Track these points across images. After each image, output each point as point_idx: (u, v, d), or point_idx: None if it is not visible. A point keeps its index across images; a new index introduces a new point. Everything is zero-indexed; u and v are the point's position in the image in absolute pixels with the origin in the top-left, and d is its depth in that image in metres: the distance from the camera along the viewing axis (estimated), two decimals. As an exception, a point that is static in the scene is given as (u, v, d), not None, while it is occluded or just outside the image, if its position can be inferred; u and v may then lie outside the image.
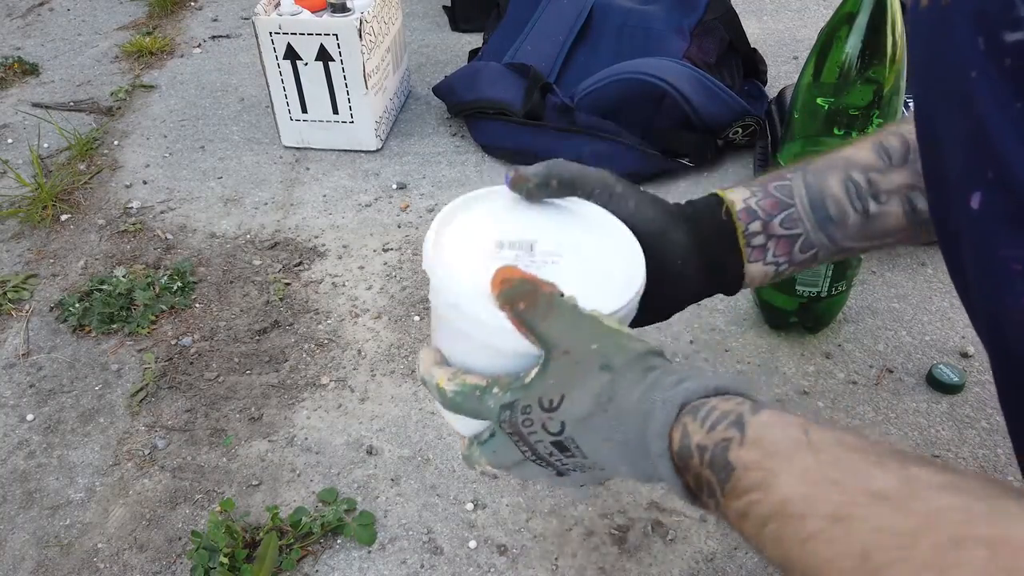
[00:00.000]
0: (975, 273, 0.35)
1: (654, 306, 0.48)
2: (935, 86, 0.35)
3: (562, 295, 0.41)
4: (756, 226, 0.50)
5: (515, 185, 0.48)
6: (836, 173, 0.50)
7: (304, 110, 1.20)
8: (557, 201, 0.49)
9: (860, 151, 0.51)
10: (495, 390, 0.42)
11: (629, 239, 0.47)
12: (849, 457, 0.32)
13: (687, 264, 0.49)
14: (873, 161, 0.50)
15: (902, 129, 0.51)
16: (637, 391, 0.38)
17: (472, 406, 0.43)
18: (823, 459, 0.32)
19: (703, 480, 0.36)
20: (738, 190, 0.52)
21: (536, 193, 0.48)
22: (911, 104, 1.03)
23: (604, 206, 0.49)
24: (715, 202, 0.51)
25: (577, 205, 0.49)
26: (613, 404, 0.38)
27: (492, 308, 0.41)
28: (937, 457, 0.76)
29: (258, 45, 1.14)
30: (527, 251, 0.45)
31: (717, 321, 0.91)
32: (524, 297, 0.40)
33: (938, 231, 0.39)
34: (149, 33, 1.63)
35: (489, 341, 0.43)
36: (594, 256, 0.46)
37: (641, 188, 0.51)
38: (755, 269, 0.51)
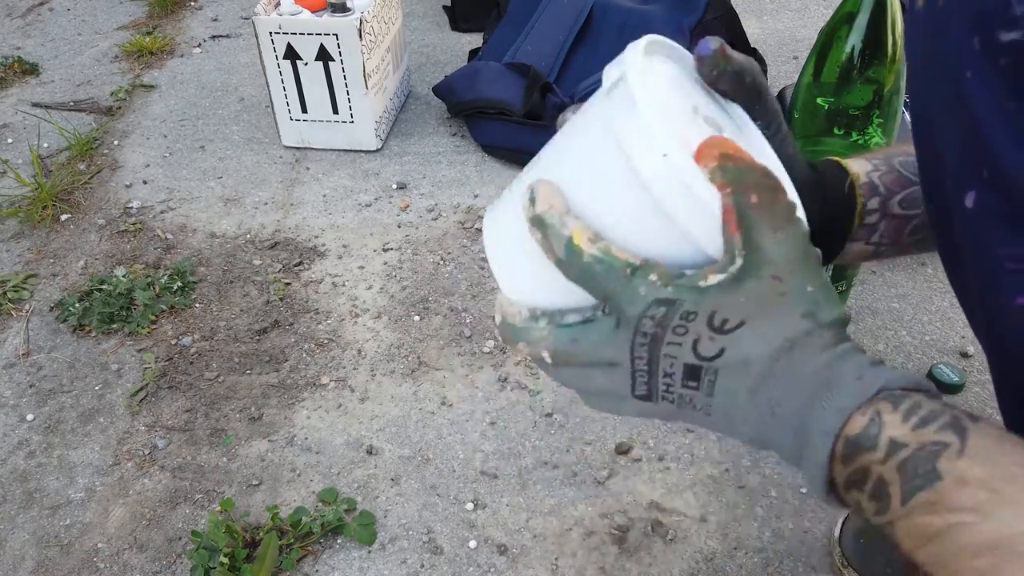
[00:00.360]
0: (971, 273, 0.35)
1: None
2: (931, 86, 0.35)
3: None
4: (875, 203, 0.46)
5: (714, 60, 0.38)
6: None
7: (304, 110, 1.20)
8: (724, 103, 0.41)
9: None
10: (652, 276, 0.33)
11: (794, 193, 0.38)
12: None
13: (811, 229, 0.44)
14: None
15: None
16: (824, 356, 0.32)
17: (609, 284, 0.34)
18: None
19: (876, 479, 0.31)
20: (859, 161, 0.47)
21: (723, 80, 0.39)
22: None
23: (768, 138, 0.41)
24: (839, 171, 0.46)
25: (743, 120, 0.40)
26: (792, 356, 0.32)
27: (702, 176, 0.32)
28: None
29: (258, 45, 1.14)
30: (707, 127, 0.36)
31: (717, 321, 0.91)
32: (760, 191, 0.32)
33: (935, 231, 0.39)
34: (149, 33, 1.63)
35: (676, 212, 0.33)
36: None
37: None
38: (856, 247, 0.47)
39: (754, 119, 0.40)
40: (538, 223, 0.35)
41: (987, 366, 0.73)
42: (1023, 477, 0.28)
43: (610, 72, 0.36)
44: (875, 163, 0.46)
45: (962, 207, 0.33)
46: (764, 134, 0.40)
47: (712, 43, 0.38)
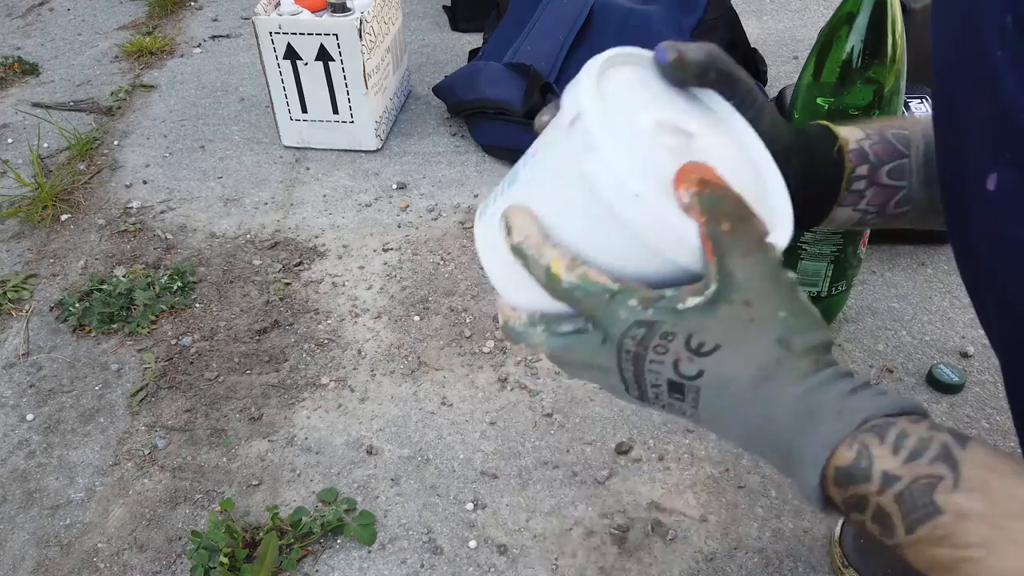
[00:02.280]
0: (988, 257, 0.34)
1: None
2: (957, 66, 0.34)
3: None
4: (863, 170, 0.46)
5: (673, 68, 0.38)
6: None
7: (304, 110, 1.20)
8: (697, 91, 0.41)
9: None
10: (632, 301, 0.34)
11: (776, 173, 0.39)
12: None
13: (794, 191, 0.43)
14: None
15: None
16: (802, 384, 0.32)
17: (590, 308, 0.35)
18: None
19: (875, 508, 0.31)
20: (850, 128, 0.47)
21: (687, 82, 0.39)
22: (911, 105, 1.03)
23: (744, 113, 0.41)
24: (827, 136, 0.47)
25: (718, 105, 0.40)
26: (769, 386, 0.32)
27: (674, 204, 0.33)
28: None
29: (258, 45, 1.14)
30: (686, 143, 0.36)
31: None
32: (732, 219, 0.33)
33: (948, 215, 0.38)
34: (149, 33, 1.63)
35: (649, 239, 0.34)
36: (747, 181, 0.37)
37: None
38: (843, 213, 0.48)
39: (729, 99, 0.40)
40: (517, 252, 0.36)
41: (987, 366, 0.75)
42: (1019, 504, 0.28)
43: (567, 97, 0.36)
44: (867, 132, 0.47)
45: (982, 190, 0.33)
46: (741, 111, 0.41)
47: (668, 54, 0.38)
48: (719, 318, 0.33)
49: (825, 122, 0.47)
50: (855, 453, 0.31)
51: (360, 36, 1.10)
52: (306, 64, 1.14)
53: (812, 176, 0.45)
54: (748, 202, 0.34)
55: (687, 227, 0.33)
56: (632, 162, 0.33)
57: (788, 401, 0.32)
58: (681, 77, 0.38)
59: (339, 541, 0.71)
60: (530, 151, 0.40)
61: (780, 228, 0.36)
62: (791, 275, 0.34)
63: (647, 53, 0.39)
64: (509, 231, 0.37)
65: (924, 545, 0.30)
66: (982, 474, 0.29)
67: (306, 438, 0.80)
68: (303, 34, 1.11)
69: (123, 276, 1.00)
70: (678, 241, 0.33)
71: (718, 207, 0.33)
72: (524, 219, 0.37)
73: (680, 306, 0.34)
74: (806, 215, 0.46)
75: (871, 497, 0.31)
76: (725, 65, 0.40)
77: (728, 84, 0.40)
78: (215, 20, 1.69)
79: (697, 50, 0.38)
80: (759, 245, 0.34)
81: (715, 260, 0.33)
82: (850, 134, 0.47)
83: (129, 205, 1.14)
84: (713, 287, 0.33)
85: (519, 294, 0.39)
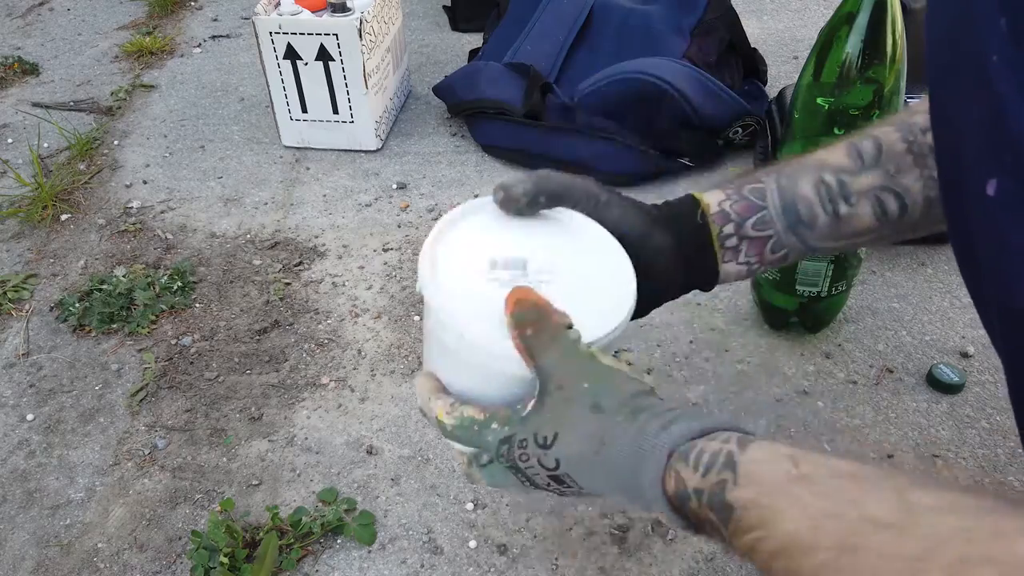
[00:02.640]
0: (989, 263, 0.35)
1: (636, 306, 0.49)
2: (952, 70, 0.34)
3: (570, 326, 0.41)
4: (729, 228, 0.52)
5: (505, 204, 0.48)
6: (809, 175, 0.52)
7: (304, 110, 1.20)
8: (546, 212, 0.50)
9: (833, 153, 0.52)
10: (493, 424, 0.42)
11: (620, 257, 0.48)
12: (843, 486, 0.33)
13: (668, 265, 0.51)
14: (845, 163, 0.51)
15: (877, 132, 0.52)
16: (628, 436, 0.39)
17: (471, 438, 0.43)
18: (817, 491, 0.33)
19: (705, 520, 0.37)
20: (713, 193, 0.53)
21: (526, 210, 0.48)
22: (910, 103, 1.03)
23: (590, 215, 0.50)
24: (691, 204, 0.52)
25: (566, 216, 0.49)
26: (605, 448, 0.39)
27: (492, 333, 0.41)
28: (937, 457, 0.76)
29: (258, 45, 1.14)
30: (521, 270, 0.45)
31: (717, 321, 0.91)
32: (533, 323, 0.40)
33: (949, 222, 0.38)
34: (149, 33, 1.63)
35: (490, 366, 0.42)
36: (586, 275, 0.46)
37: (622, 193, 0.52)
38: (729, 268, 0.53)
39: (574, 207, 0.49)
40: (420, 412, 0.47)
41: (987, 366, 0.75)
42: (778, 490, 0.34)
43: (419, 281, 0.45)
44: (727, 192, 0.53)
45: (982, 195, 0.33)
46: (587, 212, 0.49)
47: (497, 195, 0.47)
48: (548, 409, 0.40)
49: (693, 192, 0.53)
50: (674, 481, 0.37)
51: (360, 36, 1.10)
52: (306, 64, 1.14)
53: (686, 242, 0.51)
54: (550, 302, 0.41)
55: (507, 345, 0.41)
56: (462, 313, 0.42)
57: (623, 454, 0.39)
58: (517, 209, 0.47)
59: (339, 541, 0.71)
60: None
61: (607, 307, 0.44)
62: (585, 346, 0.41)
63: (489, 199, 0.49)
64: (417, 394, 0.47)
65: (734, 539, 0.36)
66: (750, 468, 0.35)
67: (306, 438, 0.80)
68: (303, 34, 1.11)
69: (123, 276, 1.00)
70: (507, 359, 0.41)
71: (524, 318, 0.40)
72: (421, 382, 0.47)
73: (524, 414, 0.41)
74: (696, 278, 0.53)
75: (701, 512, 0.37)
76: (555, 184, 0.48)
77: (561, 200, 0.48)
78: (215, 20, 1.69)
79: (524, 182, 0.47)
80: (557, 334, 0.40)
81: (529, 362, 0.40)
82: (712, 198, 0.52)
83: (129, 205, 1.14)
84: (537, 386, 0.41)
85: (456, 443, 0.47)
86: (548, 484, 0.42)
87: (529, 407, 0.41)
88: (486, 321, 0.42)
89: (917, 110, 0.53)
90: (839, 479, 0.33)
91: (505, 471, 0.44)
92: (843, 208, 0.51)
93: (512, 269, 0.45)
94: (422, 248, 0.46)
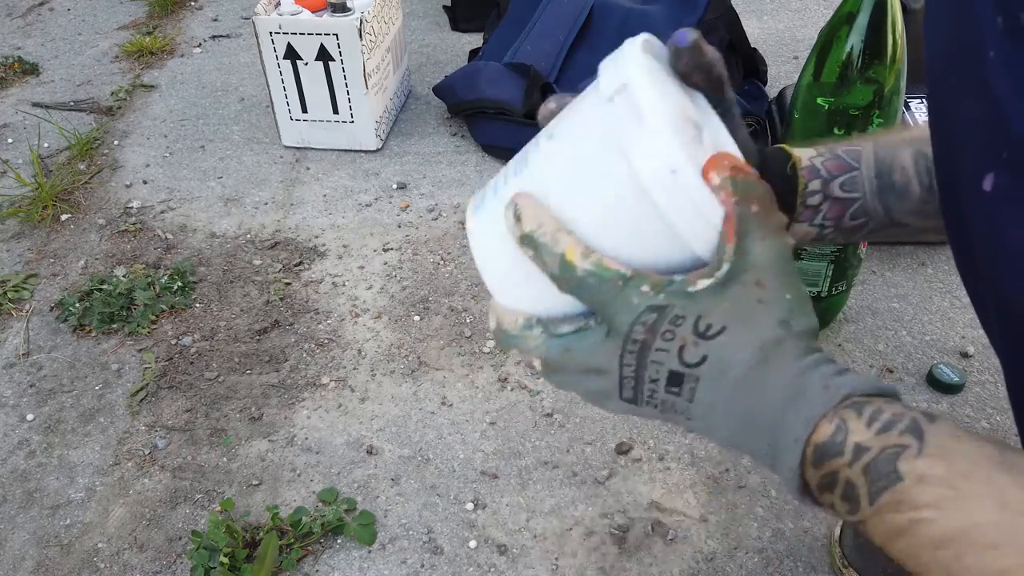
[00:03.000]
0: (986, 258, 0.34)
1: None
2: (950, 67, 0.34)
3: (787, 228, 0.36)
4: (816, 184, 0.48)
5: (692, 53, 0.38)
6: (907, 147, 0.49)
7: (304, 110, 1.20)
8: (690, 93, 0.41)
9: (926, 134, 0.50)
10: (644, 287, 0.34)
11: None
12: None
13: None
14: None
15: None
16: (796, 365, 0.34)
17: (603, 295, 0.35)
18: None
19: (844, 482, 0.32)
20: (805, 149, 0.50)
21: (696, 72, 0.39)
22: (911, 105, 1.03)
23: (725, 123, 0.42)
24: (783, 156, 0.49)
25: (708, 114, 0.41)
26: (764, 368, 0.34)
27: (705, 187, 0.34)
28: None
29: (258, 45, 1.14)
30: (698, 136, 0.36)
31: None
32: (761, 202, 0.34)
33: (946, 218, 0.38)
34: (149, 33, 1.63)
35: (674, 220, 0.34)
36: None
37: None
38: (800, 228, 0.50)
39: (714, 107, 0.41)
40: (528, 241, 0.36)
41: (987, 366, 0.75)
42: (976, 473, 0.29)
43: (608, 72, 0.36)
44: (819, 150, 0.49)
45: (978, 191, 0.33)
46: (723, 121, 0.41)
47: (690, 35, 0.38)
48: (729, 298, 0.34)
49: (781, 145, 0.49)
50: (834, 427, 0.32)
51: (360, 36, 1.10)
52: (306, 64, 1.14)
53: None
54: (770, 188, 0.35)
55: (714, 209, 0.34)
56: (676, 138, 0.33)
57: (780, 381, 0.34)
58: (692, 65, 0.38)
59: (339, 541, 0.71)
60: (541, 135, 0.39)
61: None
62: (796, 264, 0.36)
63: (659, 44, 0.39)
64: (519, 219, 0.36)
65: (884, 512, 0.31)
66: (945, 442, 0.31)
67: (306, 438, 0.80)
68: (303, 34, 1.11)
69: (123, 276, 1.00)
70: (702, 222, 0.34)
71: (751, 191, 0.34)
72: (535, 207, 0.36)
73: (691, 288, 0.34)
74: None
75: (842, 471, 0.32)
76: (722, 69, 0.40)
77: (721, 89, 0.41)
78: (215, 20, 1.69)
79: (709, 46, 0.39)
80: (779, 230, 0.35)
81: (735, 240, 0.34)
82: (803, 152, 0.49)
83: (129, 205, 1.14)
84: (725, 267, 0.34)
85: (518, 292, 0.39)
86: (653, 388, 0.36)
87: (701, 284, 0.34)
88: (692, 165, 0.33)
89: None
90: None
91: (605, 347, 0.36)
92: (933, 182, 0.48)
93: (694, 131, 0.36)
94: (626, 44, 0.36)
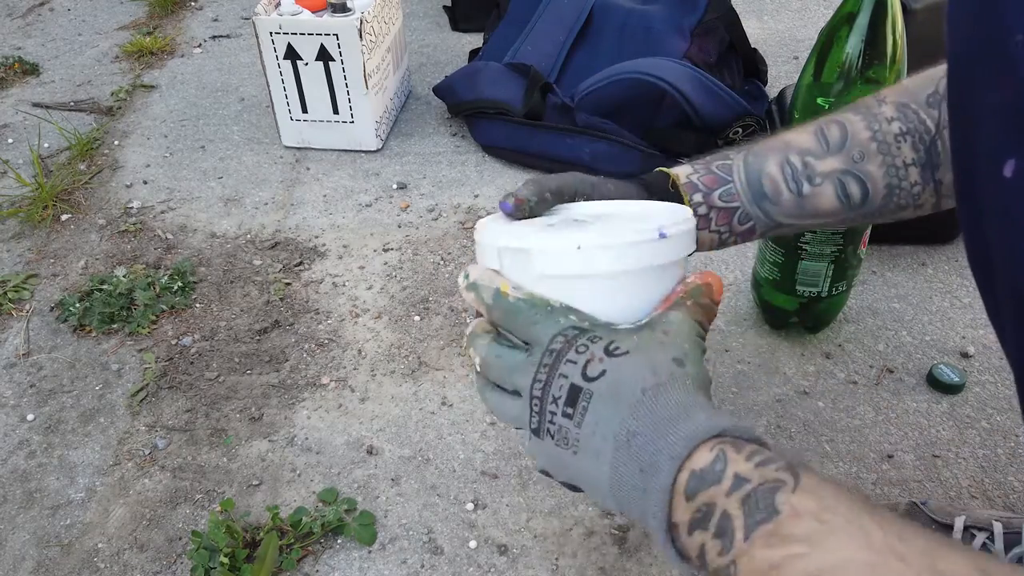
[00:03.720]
0: (1004, 249, 0.34)
1: None
2: (974, 50, 0.34)
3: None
4: (698, 197, 0.55)
5: (518, 209, 0.48)
6: (775, 155, 0.55)
7: (304, 110, 1.20)
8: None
9: (800, 135, 0.56)
10: (572, 316, 0.41)
11: (649, 201, 0.53)
12: (916, 533, 0.30)
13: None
14: (811, 145, 0.55)
15: (842, 117, 0.56)
16: (683, 396, 0.38)
17: (533, 316, 0.42)
18: (889, 529, 0.30)
19: (720, 514, 0.33)
20: (682, 167, 0.56)
21: (537, 210, 0.49)
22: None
23: (590, 198, 0.52)
24: (663, 176, 0.56)
25: (567, 210, 0.51)
26: (657, 393, 0.38)
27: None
28: (937, 457, 0.76)
29: (258, 45, 1.14)
30: (573, 227, 0.45)
31: (717, 321, 0.91)
32: (707, 308, 0.44)
33: (962, 209, 0.38)
34: (149, 33, 1.63)
35: (623, 285, 0.43)
36: (637, 210, 0.49)
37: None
38: (703, 236, 0.56)
39: (573, 199, 0.52)
40: (471, 287, 0.45)
41: (987, 366, 0.75)
42: (840, 508, 0.32)
43: (486, 249, 0.46)
44: (695, 167, 0.56)
45: (998, 177, 0.32)
46: (591, 196, 0.52)
47: (507, 202, 0.48)
48: (639, 335, 0.41)
49: (662, 168, 0.56)
50: (714, 455, 0.35)
51: (360, 36, 1.10)
52: (306, 64, 1.14)
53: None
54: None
55: (662, 291, 0.44)
56: (543, 239, 0.45)
57: (669, 407, 0.37)
58: (529, 209, 0.49)
59: (339, 541, 0.71)
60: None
61: (678, 217, 0.46)
62: (700, 330, 0.43)
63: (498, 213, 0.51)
64: (467, 276, 0.46)
65: (757, 548, 0.32)
66: (814, 482, 0.33)
67: (306, 438, 0.80)
68: (303, 34, 1.11)
69: (123, 276, 1.00)
70: (648, 287, 0.43)
71: (700, 294, 0.43)
72: (483, 270, 0.46)
73: (612, 326, 0.42)
74: None
75: (719, 501, 0.34)
76: (552, 182, 0.50)
77: (561, 195, 0.51)
78: (215, 20, 1.69)
79: (526, 188, 0.49)
80: (700, 326, 0.43)
81: (662, 309, 0.42)
82: (680, 171, 0.56)
83: (129, 205, 1.14)
84: (644, 320, 0.42)
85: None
86: (555, 400, 0.40)
87: (621, 326, 0.42)
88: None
89: (885, 99, 0.55)
90: (911, 528, 0.31)
91: (531, 361, 0.41)
92: (807, 188, 0.54)
93: (574, 219, 0.47)
94: (483, 245, 0.46)
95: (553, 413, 0.40)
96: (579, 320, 0.41)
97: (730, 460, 0.34)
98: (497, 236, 0.45)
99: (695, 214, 0.54)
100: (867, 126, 0.54)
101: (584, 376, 0.39)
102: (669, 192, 0.55)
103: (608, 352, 0.39)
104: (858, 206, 0.55)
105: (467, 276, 0.46)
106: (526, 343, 0.43)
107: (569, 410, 0.39)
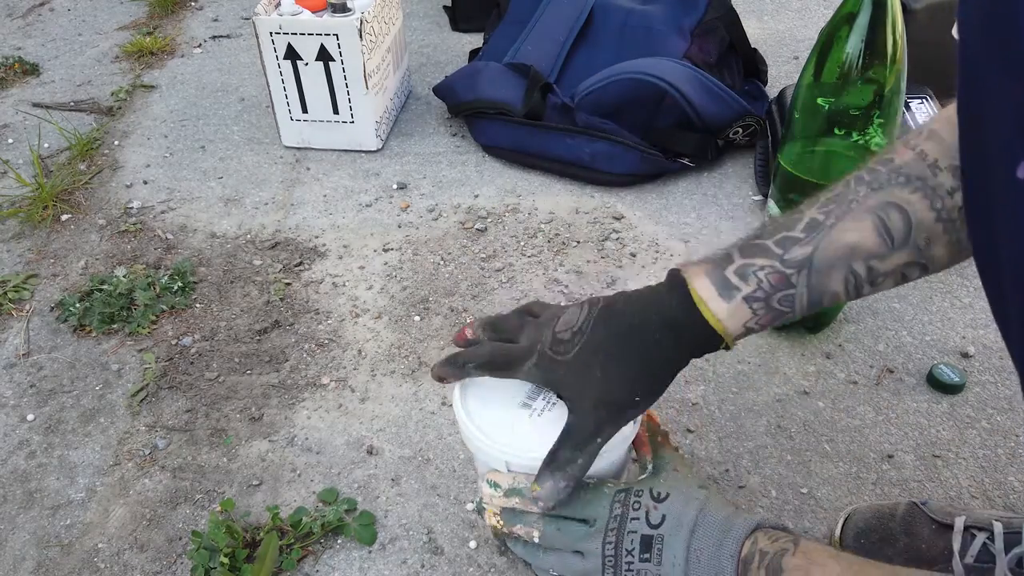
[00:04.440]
0: (1013, 248, 0.34)
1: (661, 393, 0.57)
2: (988, 47, 0.33)
3: (676, 448, 0.62)
4: (752, 327, 0.54)
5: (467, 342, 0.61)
6: (839, 270, 0.52)
7: (304, 110, 1.20)
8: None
9: (863, 233, 0.51)
10: (609, 484, 0.56)
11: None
12: (875, 570, 0.47)
13: (674, 365, 0.55)
14: (876, 247, 0.51)
15: (903, 198, 0.51)
16: (724, 511, 0.53)
17: (585, 496, 0.54)
18: (853, 569, 0.46)
19: None
20: (739, 308, 0.53)
21: (472, 374, 0.60)
22: (911, 105, 1.03)
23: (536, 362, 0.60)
24: (712, 333, 0.53)
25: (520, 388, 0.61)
26: (705, 513, 0.52)
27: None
28: (937, 458, 0.76)
29: (258, 45, 1.14)
30: (530, 404, 0.59)
31: (717, 321, 0.91)
32: (664, 436, 0.61)
33: (970, 215, 0.38)
34: (149, 33, 1.63)
35: (618, 451, 0.58)
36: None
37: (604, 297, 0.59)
38: (735, 326, 0.55)
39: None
40: (513, 492, 0.56)
41: (987, 367, 0.76)
42: (820, 560, 0.48)
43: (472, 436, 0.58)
44: (754, 308, 0.53)
45: (1011, 178, 0.32)
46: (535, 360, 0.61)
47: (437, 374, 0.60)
48: (663, 477, 0.56)
49: (709, 310, 0.53)
50: (751, 543, 0.51)
51: (360, 36, 1.10)
52: (306, 64, 1.14)
53: (691, 347, 0.55)
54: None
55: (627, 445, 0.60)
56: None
57: (715, 523, 0.52)
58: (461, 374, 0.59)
59: (339, 541, 0.71)
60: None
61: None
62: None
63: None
64: (497, 484, 0.57)
65: None
66: (809, 546, 0.49)
67: (306, 438, 0.80)
68: (303, 34, 1.11)
69: (123, 276, 1.00)
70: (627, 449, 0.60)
71: (656, 431, 0.62)
72: (501, 475, 0.57)
73: (639, 478, 0.57)
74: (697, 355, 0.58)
75: (756, 571, 0.49)
76: (498, 360, 0.59)
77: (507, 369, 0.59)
78: (215, 20, 1.69)
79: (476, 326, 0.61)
80: (674, 446, 0.62)
81: (651, 453, 0.59)
82: (736, 320, 0.53)
83: (129, 205, 1.14)
84: (650, 466, 0.58)
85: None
86: (630, 559, 0.52)
87: (643, 476, 0.57)
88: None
89: (938, 162, 0.51)
90: (875, 568, 0.47)
91: (597, 531, 0.53)
92: (867, 290, 0.52)
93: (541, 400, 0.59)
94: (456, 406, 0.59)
95: (630, 563, 0.52)
96: (613, 484, 0.56)
97: (759, 542, 0.50)
98: (493, 442, 0.56)
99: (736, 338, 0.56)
100: (930, 206, 0.50)
101: (649, 524, 0.52)
102: (715, 342, 0.54)
103: (658, 499, 0.53)
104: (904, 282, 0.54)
105: (496, 485, 0.56)
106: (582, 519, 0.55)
107: (646, 555, 0.51)
